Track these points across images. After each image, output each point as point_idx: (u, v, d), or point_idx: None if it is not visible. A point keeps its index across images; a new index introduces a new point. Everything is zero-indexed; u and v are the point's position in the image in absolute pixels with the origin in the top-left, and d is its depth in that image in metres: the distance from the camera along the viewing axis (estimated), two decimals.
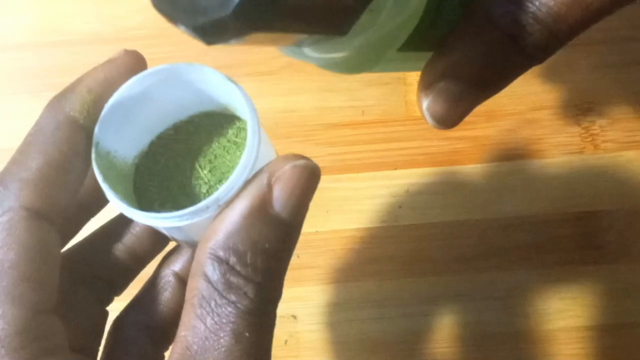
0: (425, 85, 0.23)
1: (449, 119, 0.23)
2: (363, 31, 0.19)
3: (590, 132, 0.43)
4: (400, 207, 0.42)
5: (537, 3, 0.20)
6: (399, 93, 0.43)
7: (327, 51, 0.21)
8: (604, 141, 0.43)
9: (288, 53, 0.22)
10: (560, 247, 0.41)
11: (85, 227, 0.27)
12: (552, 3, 0.20)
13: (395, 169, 0.42)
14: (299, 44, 0.21)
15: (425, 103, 0.23)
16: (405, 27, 0.20)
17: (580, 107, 0.43)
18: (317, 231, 0.41)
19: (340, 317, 0.40)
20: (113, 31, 0.45)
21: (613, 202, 0.42)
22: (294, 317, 0.40)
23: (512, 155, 0.42)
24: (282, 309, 0.40)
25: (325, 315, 0.40)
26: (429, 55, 0.23)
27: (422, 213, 0.42)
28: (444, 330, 0.40)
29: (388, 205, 0.42)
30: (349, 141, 0.43)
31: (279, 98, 0.44)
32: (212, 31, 0.17)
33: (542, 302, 0.40)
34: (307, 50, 0.21)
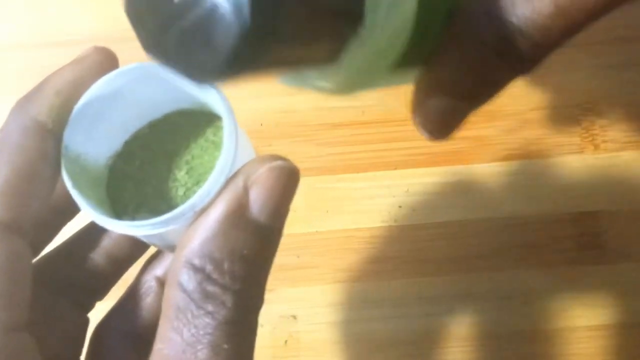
0: (417, 101, 0.23)
1: (441, 133, 0.23)
2: (354, 55, 0.19)
3: (590, 132, 0.43)
4: (400, 207, 0.42)
5: (521, 17, 0.20)
6: (399, 93, 0.43)
7: (318, 78, 0.21)
8: (604, 141, 0.43)
9: (283, 82, 0.22)
10: (560, 247, 0.41)
11: (63, 231, 0.26)
12: (535, 16, 0.20)
13: (395, 169, 0.42)
14: (290, 76, 0.21)
15: (417, 118, 0.23)
16: (395, 45, 0.21)
17: (580, 107, 0.43)
18: (317, 231, 0.41)
19: (340, 317, 0.40)
20: (113, 31, 0.45)
21: (613, 202, 0.42)
22: (294, 317, 0.40)
23: (512, 155, 0.42)
24: (282, 309, 0.40)
25: (325, 315, 0.40)
26: (421, 68, 0.23)
27: (422, 213, 0.42)
28: (444, 331, 0.40)
29: (388, 205, 0.42)
30: (349, 141, 0.43)
31: (279, 98, 0.44)
32: (205, 77, 0.17)
33: (542, 302, 0.40)
34: (300, 78, 0.22)
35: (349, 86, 0.21)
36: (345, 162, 0.43)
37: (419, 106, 0.23)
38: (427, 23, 0.21)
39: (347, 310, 0.40)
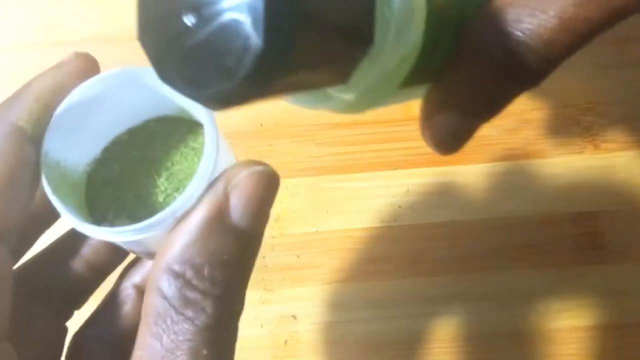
0: (425, 116, 0.23)
1: (451, 147, 0.23)
2: (363, 76, 0.20)
3: (590, 132, 0.43)
4: (400, 207, 0.42)
5: (527, 32, 0.20)
6: None
7: (328, 98, 0.21)
8: (604, 141, 0.43)
9: (292, 102, 0.22)
10: (560, 247, 0.41)
11: (40, 239, 0.26)
12: (542, 31, 0.20)
13: (395, 169, 0.42)
14: (299, 97, 0.21)
15: (427, 133, 0.23)
16: (404, 65, 0.21)
17: (580, 107, 0.43)
18: (317, 231, 0.41)
19: (340, 317, 0.40)
20: (114, 31, 0.45)
21: (613, 202, 0.42)
22: (294, 317, 0.40)
23: (512, 155, 0.42)
24: (282, 309, 0.40)
25: (325, 315, 0.40)
26: (429, 84, 0.23)
27: (422, 213, 0.42)
28: (444, 330, 0.40)
29: (388, 205, 0.42)
30: (349, 141, 0.43)
31: None
32: (218, 102, 0.17)
33: (542, 302, 0.40)
34: (309, 98, 0.22)
35: (359, 105, 0.22)
36: (345, 162, 0.43)
37: (428, 121, 0.23)
38: (436, 41, 0.21)
39: (347, 310, 0.40)
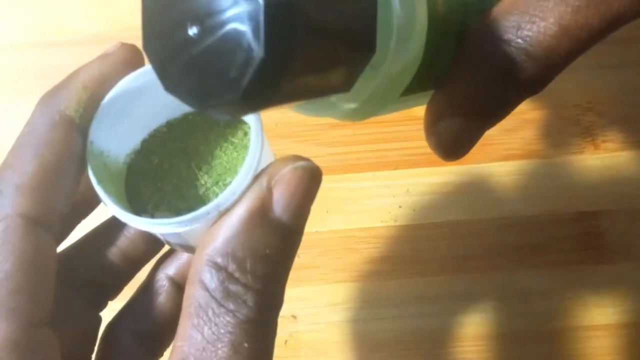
0: (429, 123, 0.23)
1: (455, 153, 0.23)
2: (366, 84, 0.20)
3: (591, 132, 0.43)
4: (400, 207, 0.42)
5: (527, 39, 0.20)
6: None
7: (331, 107, 0.21)
8: (604, 141, 0.43)
9: (296, 110, 0.22)
10: (561, 247, 0.41)
11: (76, 229, 0.26)
12: (542, 37, 0.20)
13: (395, 169, 0.42)
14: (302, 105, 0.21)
15: (431, 139, 0.23)
16: (406, 73, 0.21)
17: (580, 107, 0.43)
18: (317, 231, 0.41)
19: (340, 317, 0.40)
20: (114, 31, 0.45)
21: (613, 202, 0.42)
22: (294, 317, 0.40)
23: (512, 155, 0.42)
24: (282, 309, 0.40)
25: (325, 315, 0.40)
26: (432, 92, 0.23)
27: (422, 213, 0.42)
28: (444, 331, 0.40)
29: (388, 205, 0.42)
30: (349, 141, 0.43)
31: None
32: (222, 112, 0.17)
33: (542, 302, 0.40)
34: (311, 107, 0.22)
35: (362, 113, 0.22)
36: (345, 162, 0.43)
37: (432, 128, 0.23)
38: (438, 49, 0.21)
39: (347, 310, 0.40)
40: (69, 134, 0.22)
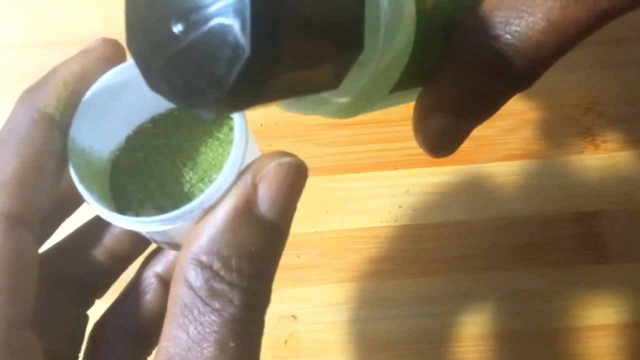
0: (417, 120, 0.23)
1: (443, 150, 0.23)
2: (354, 81, 0.20)
3: (591, 132, 0.43)
4: (400, 207, 0.42)
5: (515, 34, 0.20)
6: None
7: (319, 104, 0.21)
8: (604, 141, 0.43)
9: (285, 109, 0.22)
10: (561, 247, 0.41)
11: (60, 227, 0.26)
12: (530, 33, 0.20)
13: (395, 169, 0.42)
14: (291, 103, 0.21)
15: (419, 136, 0.23)
16: (395, 69, 0.21)
17: (580, 107, 0.43)
18: (317, 231, 0.41)
19: (340, 317, 0.40)
20: (113, 31, 0.45)
21: (613, 202, 0.42)
22: (294, 317, 0.40)
23: (512, 155, 0.42)
24: (282, 309, 0.40)
25: (325, 315, 0.40)
26: (421, 87, 0.23)
27: (422, 213, 0.42)
28: (444, 331, 0.40)
29: (388, 205, 0.42)
30: (349, 141, 0.43)
31: None
32: (208, 110, 0.16)
33: (542, 302, 0.40)
34: (300, 105, 0.22)
35: (351, 110, 0.22)
36: (345, 162, 0.43)
37: (420, 124, 0.23)
38: (426, 45, 0.21)
39: (347, 310, 0.40)
40: (49, 131, 0.21)
